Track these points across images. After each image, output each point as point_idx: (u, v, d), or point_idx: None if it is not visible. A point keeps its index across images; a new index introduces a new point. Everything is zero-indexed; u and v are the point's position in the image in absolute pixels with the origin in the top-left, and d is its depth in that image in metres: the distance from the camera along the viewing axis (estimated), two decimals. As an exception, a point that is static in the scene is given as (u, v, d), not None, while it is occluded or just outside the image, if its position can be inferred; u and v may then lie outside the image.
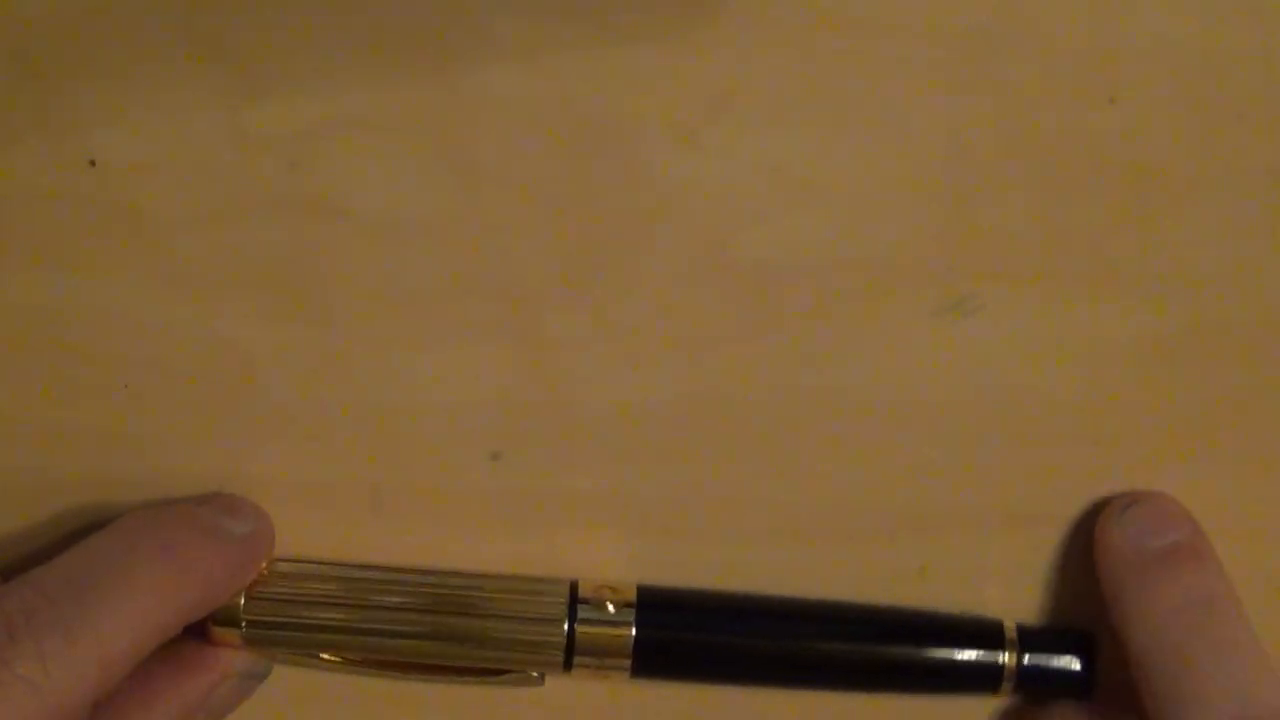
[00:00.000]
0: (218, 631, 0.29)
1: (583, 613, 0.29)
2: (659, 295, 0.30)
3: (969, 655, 0.30)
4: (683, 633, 0.30)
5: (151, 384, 0.30)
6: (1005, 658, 0.30)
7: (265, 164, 0.29)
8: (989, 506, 0.31)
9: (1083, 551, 0.31)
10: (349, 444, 0.30)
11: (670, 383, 0.30)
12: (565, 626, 0.29)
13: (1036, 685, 0.31)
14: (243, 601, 0.29)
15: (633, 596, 0.30)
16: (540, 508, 0.31)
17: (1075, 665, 0.30)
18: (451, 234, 0.30)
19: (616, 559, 0.30)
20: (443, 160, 0.30)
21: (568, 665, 0.29)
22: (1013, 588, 0.31)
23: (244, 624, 0.29)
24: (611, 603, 0.29)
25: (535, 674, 0.30)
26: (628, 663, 0.29)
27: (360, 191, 0.30)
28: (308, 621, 0.29)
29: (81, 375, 0.30)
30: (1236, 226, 0.30)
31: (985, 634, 0.30)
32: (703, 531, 0.31)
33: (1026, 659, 0.30)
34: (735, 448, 0.31)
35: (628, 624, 0.29)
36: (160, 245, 0.29)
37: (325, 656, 0.30)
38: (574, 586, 0.30)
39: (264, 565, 0.29)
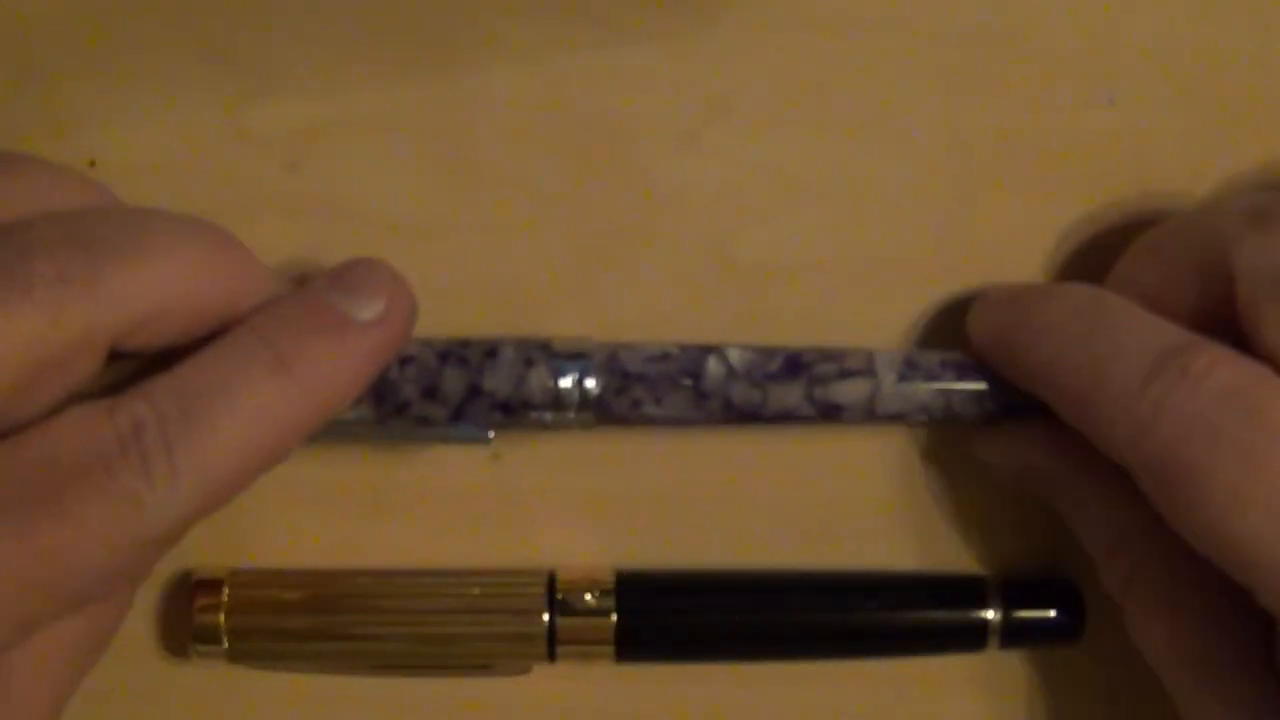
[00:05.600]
0: (199, 650, 0.29)
1: (562, 602, 0.29)
2: (659, 295, 0.30)
3: (953, 614, 0.30)
4: (664, 615, 0.30)
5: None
6: (990, 614, 0.30)
7: (265, 164, 0.29)
8: (988, 506, 0.31)
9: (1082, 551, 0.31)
10: (349, 444, 0.30)
11: (670, 383, 0.30)
12: (545, 618, 0.29)
13: (1023, 639, 0.31)
14: (222, 619, 0.29)
15: (611, 583, 0.30)
16: (541, 508, 0.31)
17: (1061, 616, 0.30)
18: (451, 234, 0.30)
19: (617, 559, 0.30)
20: (443, 160, 0.30)
21: (551, 656, 0.29)
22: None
23: (226, 642, 0.29)
24: (590, 590, 0.29)
25: (519, 665, 0.30)
26: (611, 649, 0.29)
27: (360, 191, 0.30)
28: (289, 632, 0.29)
29: (81, 375, 0.30)
30: (1236, 226, 0.31)
31: (969, 591, 0.30)
32: (704, 532, 0.31)
33: (1012, 614, 0.30)
34: (735, 448, 0.31)
35: (608, 610, 0.29)
36: (160, 245, 0.29)
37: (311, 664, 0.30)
38: (552, 577, 0.30)
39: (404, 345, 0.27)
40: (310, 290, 0.26)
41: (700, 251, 0.30)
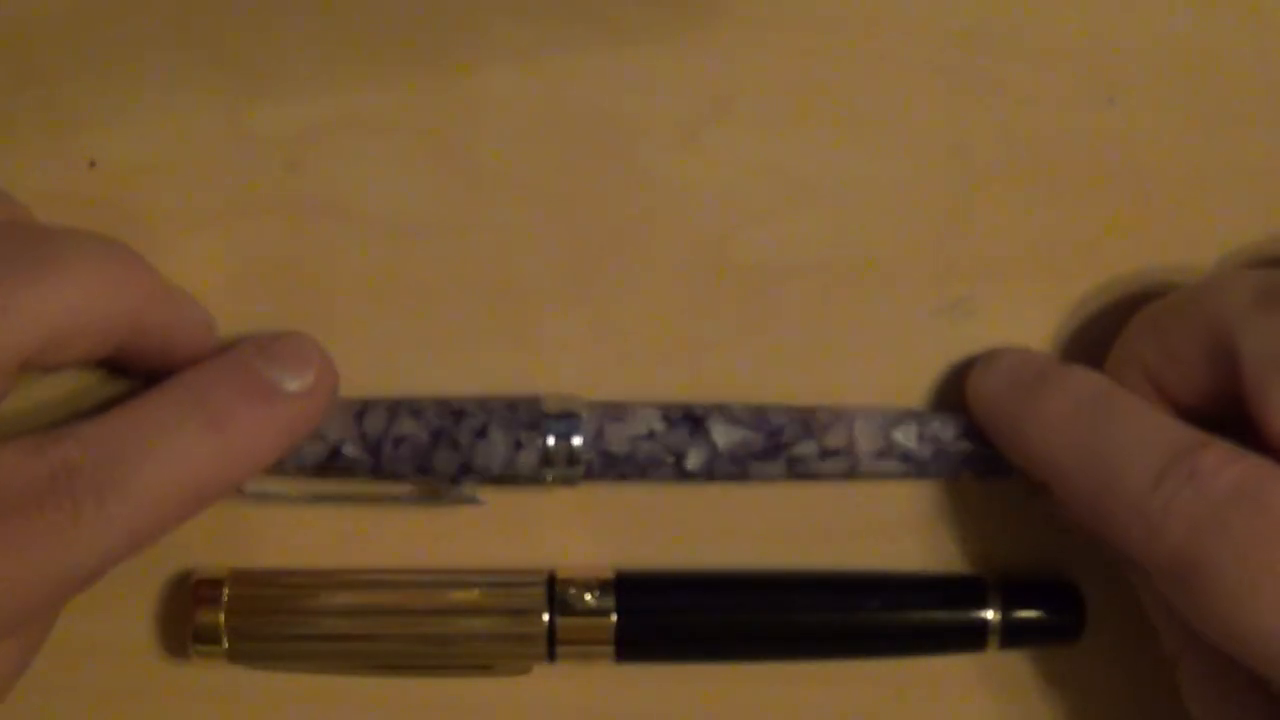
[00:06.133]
0: (199, 649, 0.29)
1: (562, 602, 0.29)
2: (659, 295, 0.30)
3: (953, 614, 0.30)
4: (664, 615, 0.30)
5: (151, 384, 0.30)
6: (990, 614, 0.30)
7: (265, 164, 0.29)
8: (988, 506, 0.31)
9: (1082, 551, 0.31)
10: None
11: (670, 383, 0.30)
12: (545, 618, 0.29)
13: (1023, 639, 0.31)
14: (222, 619, 0.29)
15: (611, 583, 0.30)
16: (540, 509, 0.31)
17: (1061, 616, 0.30)
18: (451, 234, 0.30)
19: (617, 559, 0.30)
20: (443, 160, 0.30)
21: (551, 656, 0.29)
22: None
23: (226, 642, 0.29)
24: (590, 590, 0.30)
25: (519, 665, 0.30)
26: (611, 649, 0.30)
27: (360, 191, 0.30)
28: (290, 634, 0.29)
29: (82, 375, 0.29)
30: (1236, 226, 0.31)
31: (969, 591, 0.30)
32: (704, 533, 0.31)
33: (1012, 614, 0.30)
34: (735, 448, 0.31)
35: (608, 610, 0.29)
36: (160, 245, 0.29)
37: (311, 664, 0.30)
38: (552, 577, 0.30)
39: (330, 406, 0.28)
40: (242, 356, 0.27)
41: (700, 251, 0.30)
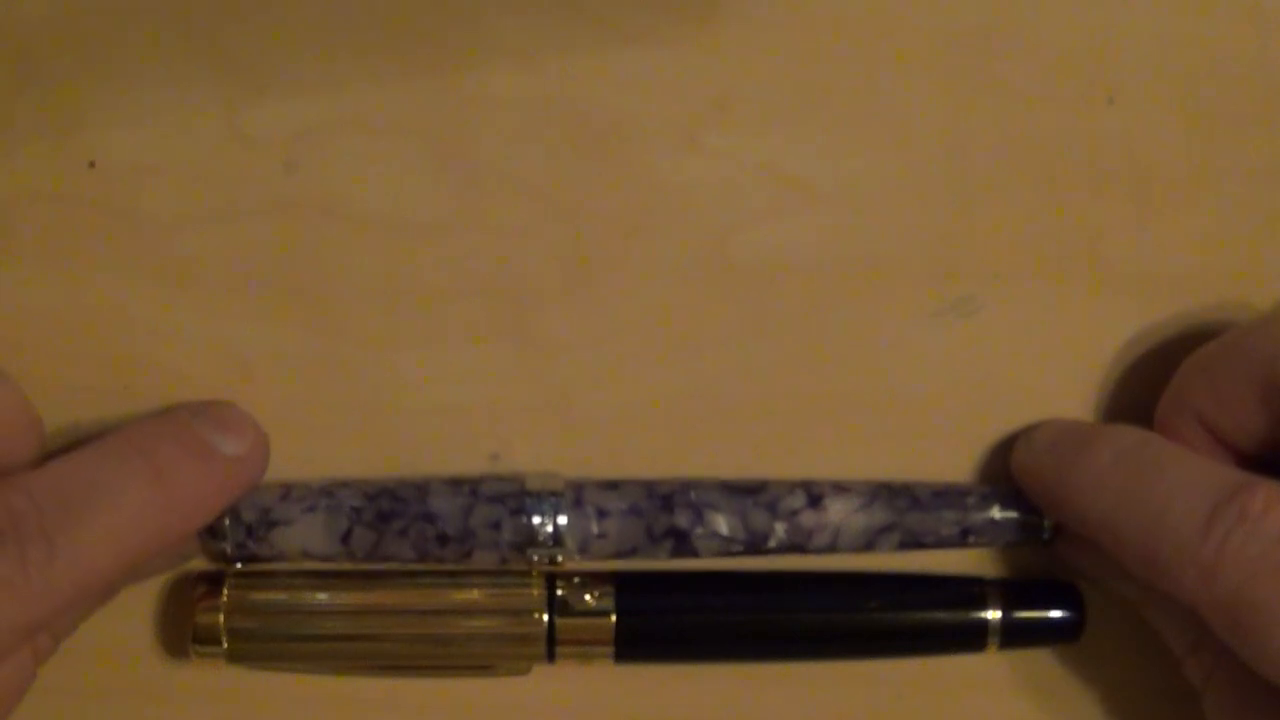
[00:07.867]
0: (199, 650, 0.29)
1: (562, 603, 0.29)
2: (659, 295, 0.30)
3: (953, 614, 0.30)
4: (663, 615, 0.30)
5: (151, 384, 0.30)
6: (990, 614, 0.30)
7: (265, 164, 0.29)
8: (989, 507, 0.31)
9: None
10: (349, 444, 0.30)
11: (670, 383, 0.30)
12: (545, 618, 0.29)
13: (1023, 639, 0.31)
14: (222, 619, 0.29)
15: (611, 583, 0.30)
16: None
17: (1062, 616, 0.30)
18: (451, 234, 0.30)
19: (617, 561, 0.30)
20: (443, 160, 0.30)
21: (551, 656, 0.29)
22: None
23: (226, 642, 0.29)
24: (590, 590, 0.30)
25: (519, 665, 0.30)
26: (611, 649, 0.30)
27: (360, 191, 0.30)
28: (290, 634, 0.29)
29: (81, 375, 0.30)
30: (1236, 226, 0.31)
31: (969, 591, 0.30)
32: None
33: (1012, 614, 0.30)
34: (735, 449, 0.31)
35: (608, 611, 0.29)
36: (160, 245, 0.29)
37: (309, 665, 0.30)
38: (552, 577, 0.30)
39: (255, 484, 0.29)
40: (181, 418, 0.28)
41: (700, 251, 0.30)
